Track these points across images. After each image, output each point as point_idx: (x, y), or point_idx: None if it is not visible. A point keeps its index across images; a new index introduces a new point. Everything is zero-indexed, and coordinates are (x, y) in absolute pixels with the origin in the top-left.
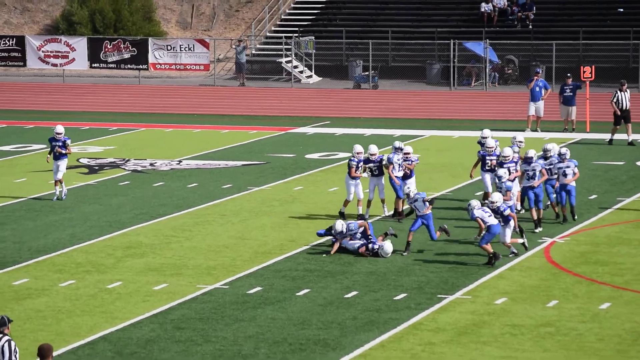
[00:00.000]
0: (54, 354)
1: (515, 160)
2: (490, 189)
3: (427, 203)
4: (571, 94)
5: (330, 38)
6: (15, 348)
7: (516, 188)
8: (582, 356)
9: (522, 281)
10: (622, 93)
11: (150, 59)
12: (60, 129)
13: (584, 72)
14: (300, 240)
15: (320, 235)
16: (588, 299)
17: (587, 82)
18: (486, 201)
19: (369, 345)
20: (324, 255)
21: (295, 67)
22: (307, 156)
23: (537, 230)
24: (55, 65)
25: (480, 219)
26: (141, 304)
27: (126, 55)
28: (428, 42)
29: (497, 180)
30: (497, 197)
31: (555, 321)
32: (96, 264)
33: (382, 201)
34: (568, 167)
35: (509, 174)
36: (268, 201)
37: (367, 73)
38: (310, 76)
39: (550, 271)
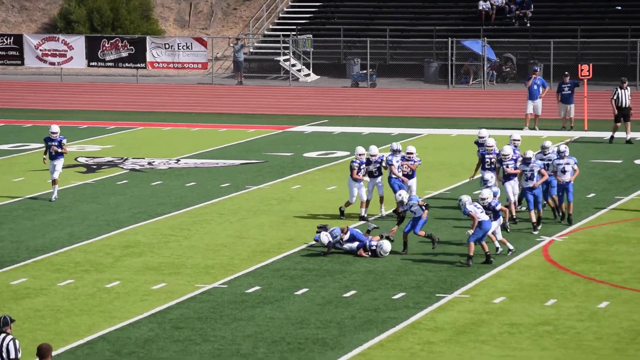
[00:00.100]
0: (53, 353)
1: (515, 158)
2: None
3: (424, 208)
4: (569, 92)
5: (328, 36)
6: (19, 347)
7: (513, 188)
8: (580, 355)
9: (521, 280)
10: (622, 91)
11: (148, 58)
12: (55, 128)
13: (581, 70)
14: (298, 239)
15: (317, 240)
16: (586, 297)
17: (585, 80)
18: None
19: (368, 344)
20: (321, 255)
21: (293, 65)
22: (305, 155)
23: (535, 232)
24: (53, 63)
25: (474, 213)
26: (139, 303)
27: (124, 54)
28: (426, 41)
29: (481, 185)
30: (487, 194)
31: (554, 320)
32: (94, 263)
33: (381, 199)
34: (568, 164)
35: (495, 179)
36: (266, 200)
37: (365, 71)
38: (308, 74)
39: (549, 270)
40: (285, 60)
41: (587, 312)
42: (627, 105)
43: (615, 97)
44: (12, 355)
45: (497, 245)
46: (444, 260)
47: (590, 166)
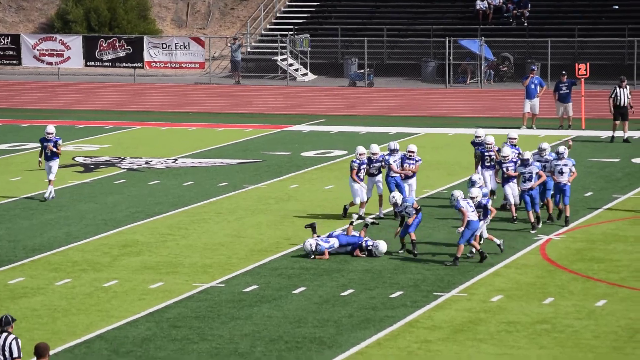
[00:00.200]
0: (51, 352)
1: (514, 160)
2: (489, 187)
3: (415, 211)
4: (567, 91)
5: (326, 36)
6: (20, 346)
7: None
8: (577, 353)
9: (518, 278)
10: (621, 89)
11: (146, 57)
12: (51, 128)
13: (578, 69)
14: (296, 238)
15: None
16: (584, 296)
17: (582, 80)
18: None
19: (365, 343)
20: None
21: (291, 65)
22: (303, 154)
23: (533, 231)
24: (50, 63)
25: (465, 210)
26: (137, 302)
27: (121, 54)
28: (423, 40)
29: (468, 185)
30: (476, 192)
31: (551, 318)
32: (92, 262)
33: (380, 197)
34: (565, 165)
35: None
36: (264, 199)
37: (362, 71)
38: (306, 74)
39: (546, 268)
40: (282, 60)
41: (585, 310)
42: (624, 104)
43: (613, 96)
44: (15, 354)
45: (498, 242)
46: (441, 259)
47: (587, 165)
